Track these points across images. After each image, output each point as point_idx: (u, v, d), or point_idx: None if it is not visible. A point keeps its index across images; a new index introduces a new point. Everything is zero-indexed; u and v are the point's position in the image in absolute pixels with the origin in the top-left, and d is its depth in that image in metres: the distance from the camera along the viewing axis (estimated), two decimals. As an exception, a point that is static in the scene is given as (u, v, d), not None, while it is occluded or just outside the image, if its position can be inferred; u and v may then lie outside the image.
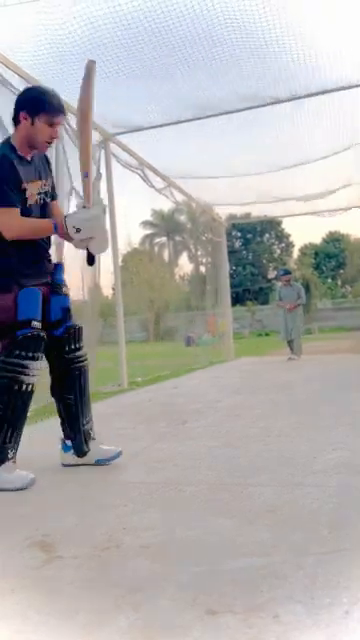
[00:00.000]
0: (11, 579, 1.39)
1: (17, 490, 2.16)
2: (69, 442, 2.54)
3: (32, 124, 2.29)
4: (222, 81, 5.28)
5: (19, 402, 2.23)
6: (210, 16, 4.21)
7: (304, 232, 58.56)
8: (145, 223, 36.56)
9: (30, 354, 2.23)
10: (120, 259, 6.59)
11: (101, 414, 4.18)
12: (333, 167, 7.39)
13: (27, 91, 2.45)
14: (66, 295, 2.52)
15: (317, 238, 41.11)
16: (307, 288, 27.24)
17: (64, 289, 2.52)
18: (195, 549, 1.51)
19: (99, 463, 2.53)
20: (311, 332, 22.39)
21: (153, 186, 7.20)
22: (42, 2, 3.79)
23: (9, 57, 4.09)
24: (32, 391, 2.27)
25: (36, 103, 2.29)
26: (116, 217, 6.28)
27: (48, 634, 1.12)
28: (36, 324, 2.27)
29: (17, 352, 2.21)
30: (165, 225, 36.40)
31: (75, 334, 2.50)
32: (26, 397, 2.25)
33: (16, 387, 2.20)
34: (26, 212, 2.32)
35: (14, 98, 4.05)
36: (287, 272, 9.54)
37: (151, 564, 1.43)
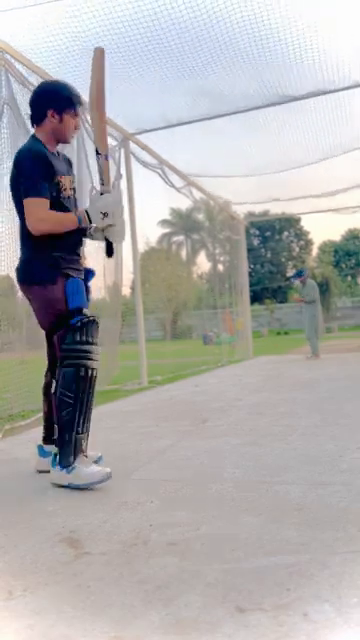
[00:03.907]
0: (44, 574, 1.42)
1: (96, 485, 2.15)
2: (48, 447, 2.48)
3: (60, 121, 2.34)
4: (240, 79, 5.28)
5: (87, 388, 2.22)
6: (229, 15, 4.21)
7: (324, 229, 58.05)
8: (163, 222, 36.60)
9: (91, 339, 2.26)
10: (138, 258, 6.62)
11: (123, 412, 4.23)
12: (353, 163, 7.32)
13: (48, 88, 2.43)
14: (89, 301, 2.54)
15: (337, 235, 40.72)
16: (326, 286, 27.01)
17: (89, 295, 2.55)
18: (222, 547, 1.52)
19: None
20: (331, 331, 22.17)
21: (173, 185, 7.21)
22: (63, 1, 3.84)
23: (28, 56, 4.13)
24: (96, 377, 2.27)
25: (62, 100, 2.33)
26: (135, 216, 6.32)
27: (83, 628, 1.14)
28: (86, 311, 2.31)
29: (79, 338, 2.23)
30: (183, 224, 36.37)
31: None
32: (92, 383, 2.25)
33: (82, 373, 2.21)
34: (61, 204, 2.32)
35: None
36: (299, 273, 9.33)
37: (179, 561, 1.44)
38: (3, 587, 1.35)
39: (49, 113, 2.33)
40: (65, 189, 2.35)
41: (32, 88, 4.14)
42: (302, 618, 1.12)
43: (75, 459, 2.18)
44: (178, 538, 1.60)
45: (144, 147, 6.37)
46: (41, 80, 4.24)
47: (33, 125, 2.41)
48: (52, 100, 2.34)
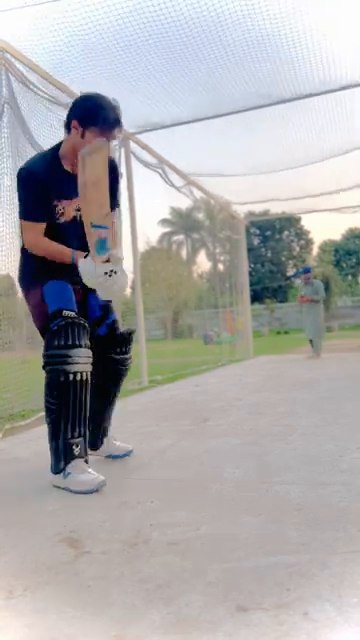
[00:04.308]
0: (44, 573, 1.42)
1: (87, 493, 2.09)
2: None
3: (82, 136, 2.18)
4: (240, 79, 5.28)
5: (71, 393, 2.13)
6: (230, 15, 4.21)
7: (324, 229, 57.98)
8: (163, 221, 36.60)
9: (70, 342, 2.14)
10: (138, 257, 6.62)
11: (124, 412, 4.22)
12: (354, 163, 7.32)
13: (84, 99, 2.25)
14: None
15: (337, 235, 40.76)
16: (327, 285, 27.06)
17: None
18: (222, 546, 1.52)
19: (111, 457, 2.59)
20: (331, 330, 22.18)
21: (173, 184, 7.21)
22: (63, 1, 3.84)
23: (29, 55, 4.13)
24: (85, 380, 2.16)
25: (90, 114, 2.17)
26: (136, 215, 6.32)
27: (84, 628, 1.15)
28: (68, 313, 2.19)
29: (55, 342, 2.14)
30: (183, 223, 36.39)
31: (128, 338, 2.51)
32: (78, 387, 2.14)
33: (62, 378, 2.12)
34: (56, 229, 2.25)
35: (35, 97, 4.20)
36: (306, 270, 9.42)
37: (179, 560, 1.44)
38: (3, 586, 1.35)
39: (73, 123, 2.19)
40: (62, 214, 2.26)
41: (32, 87, 4.17)
42: (302, 617, 1.13)
43: (67, 465, 2.15)
44: (179, 538, 1.60)
45: (144, 147, 6.37)
46: (41, 79, 4.26)
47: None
48: (81, 111, 2.19)
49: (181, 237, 37.89)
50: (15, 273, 3.77)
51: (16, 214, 3.98)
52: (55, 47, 4.32)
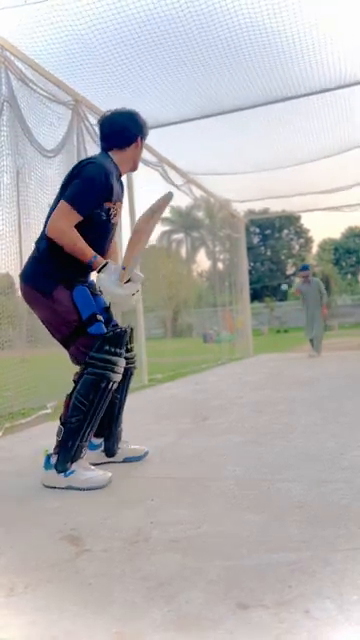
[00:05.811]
0: (45, 571, 1.42)
1: (99, 488, 2.13)
2: (97, 440, 2.52)
3: (140, 148, 2.49)
4: (240, 77, 5.27)
5: (103, 400, 2.20)
6: (230, 14, 4.20)
7: (324, 227, 57.92)
8: (163, 220, 36.51)
9: (119, 350, 2.23)
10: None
11: (124, 410, 4.22)
12: (353, 161, 7.31)
13: (137, 117, 2.48)
14: (101, 294, 2.51)
15: (337, 233, 40.73)
16: (327, 284, 27.06)
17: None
18: (223, 544, 1.52)
19: (128, 461, 2.54)
20: (331, 329, 22.18)
21: (173, 183, 7.20)
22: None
23: (28, 53, 4.12)
24: (113, 390, 2.25)
25: (145, 130, 2.50)
26: (135, 214, 6.31)
27: (85, 625, 1.14)
28: (100, 317, 2.28)
29: (107, 348, 2.20)
30: (182, 221, 36.35)
31: (130, 334, 2.52)
32: (109, 395, 2.23)
33: (103, 384, 2.17)
34: (104, 228, 2.36)
35: (35, 95, 4.19)
36: (305, 268, 9.39)
37: (180, 558, 1.44)
38: (5, 584, 1.35)
39: (138, 139, 2.45)
40: (116, 215, 2.40)
41: (32, 85, 4.16)
42: (303, 615, 1.12)
43: (72, 465, 2.17)
44: (179, 535, 1.60)
45: (144, 145, 6.36)
46: (40, 77, 4.25)
47: (110, 149, 2.42)
48: (141, 129, 2.47)
49: (181, 235, 37.86)
50: (15, 272, 3.78)
51: (16, 213, 4.00)
52: (54, 45, 4.31)
